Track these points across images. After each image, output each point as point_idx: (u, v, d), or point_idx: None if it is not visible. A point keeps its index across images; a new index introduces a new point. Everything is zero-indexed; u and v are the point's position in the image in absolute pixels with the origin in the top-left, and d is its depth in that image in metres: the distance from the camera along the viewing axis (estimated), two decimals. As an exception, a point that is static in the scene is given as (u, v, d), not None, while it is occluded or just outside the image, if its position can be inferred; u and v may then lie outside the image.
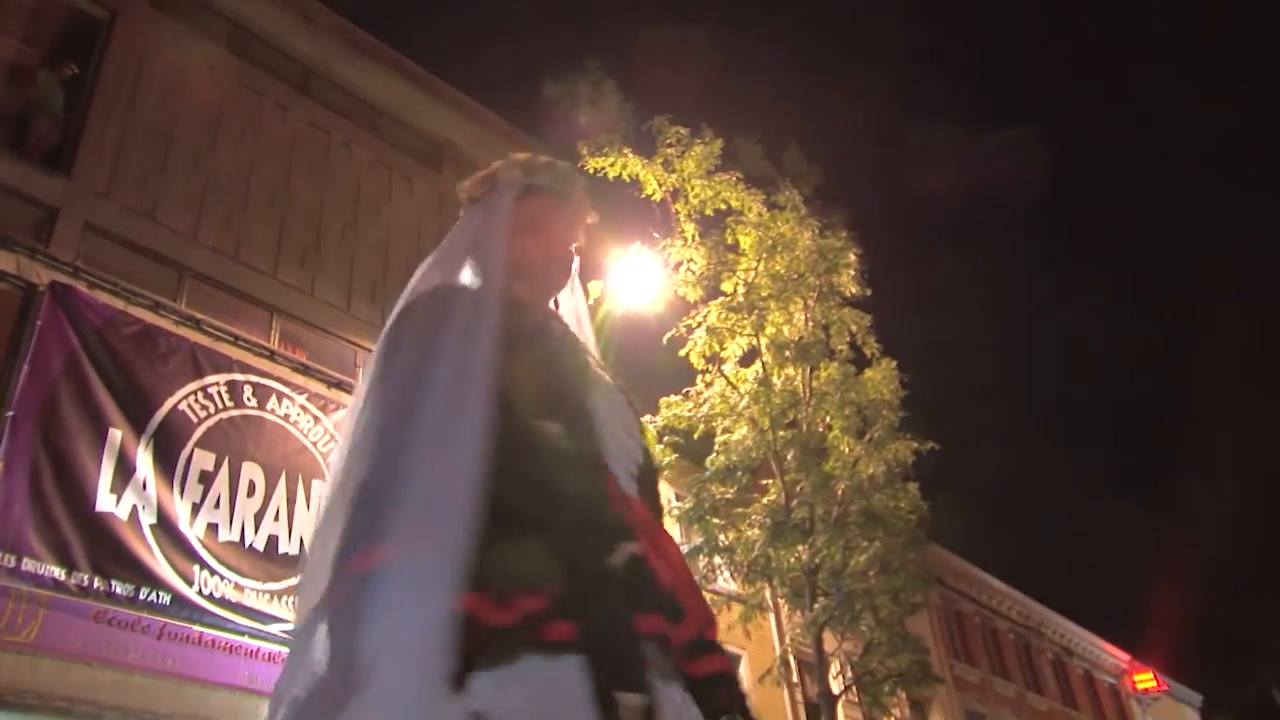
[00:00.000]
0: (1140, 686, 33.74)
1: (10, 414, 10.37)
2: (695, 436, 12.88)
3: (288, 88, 15.31)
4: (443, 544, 1.44)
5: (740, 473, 12.25)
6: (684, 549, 12.72)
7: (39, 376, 10.69)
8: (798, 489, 12.11)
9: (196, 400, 11.83)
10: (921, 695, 19.43)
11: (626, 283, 13.29)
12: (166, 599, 10.66)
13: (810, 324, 13.08)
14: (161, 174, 13.12)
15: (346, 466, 1.70)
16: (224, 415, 12.02)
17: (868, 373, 13.24)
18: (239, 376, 12.37)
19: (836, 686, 12.40)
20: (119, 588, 10.39)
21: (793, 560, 11.71)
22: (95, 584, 10.25)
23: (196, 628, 10.79)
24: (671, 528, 14.25)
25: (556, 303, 2.13)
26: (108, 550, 10.43)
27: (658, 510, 1.87)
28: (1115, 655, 33.75)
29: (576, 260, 2.14)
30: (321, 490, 1.62)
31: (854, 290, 13.54)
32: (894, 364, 13.33)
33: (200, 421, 11.75)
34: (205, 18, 14.57)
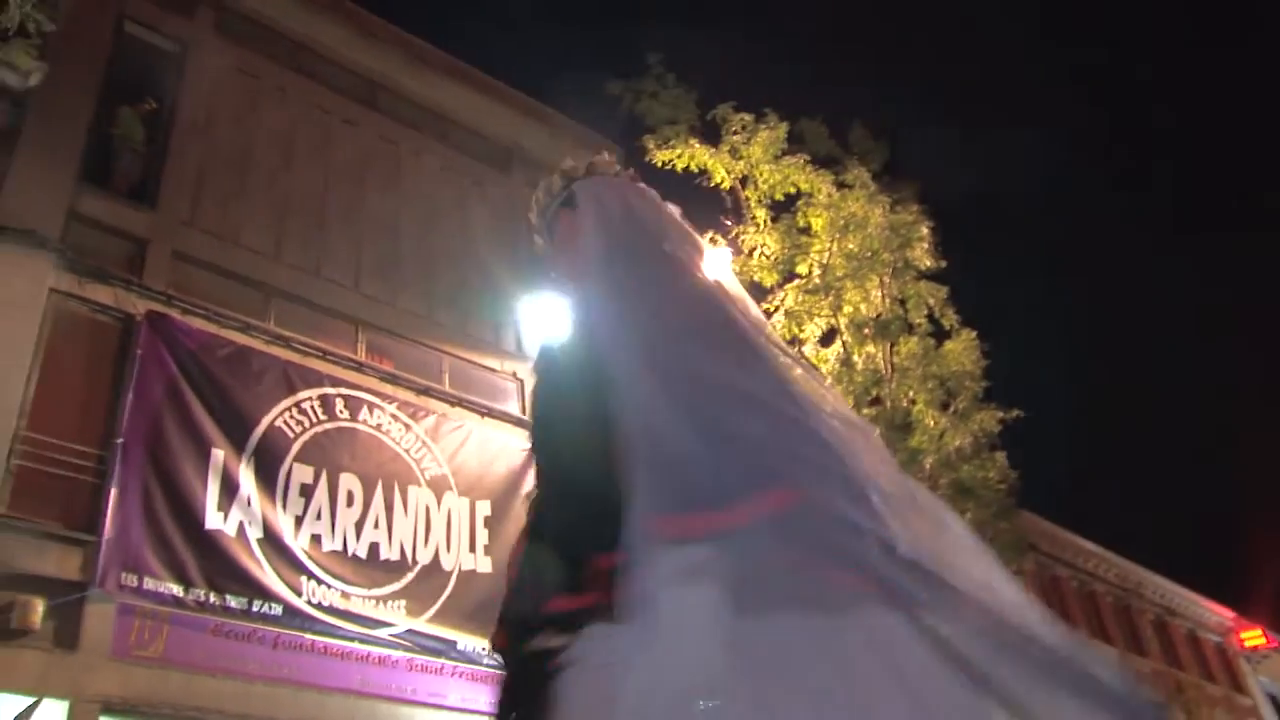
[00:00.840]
0: (1249, 644, 33.03)
1: (120, 441, 10.80)
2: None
3: (355, 103, 15.62)
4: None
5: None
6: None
7: (143, 403, 11.11)
8: (887, 466, 12.11)
9: (291, 416, 12.18)
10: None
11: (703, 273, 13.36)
12: (278, 610, 11.02)
13: (887, 300, 13.07)
14: (241, 198, 13.50)
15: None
16: (319, 429, 12.36)
17: (948, 345, 13.20)
18: (330, 390, 12.70)
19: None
20: (233, 601, 10.77)
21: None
22: (211, 599, 10.64)
23: (309, 636, 11.14)
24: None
25: None
26: (220, 566, 10.83)
27: None
28: (1220, 613, 33.07)
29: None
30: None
31: (929, 263, 13.49)
32: (974, 334, 13.26)
33: (297, 436, 12.10)
34: (270, 41, 14.93)
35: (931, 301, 13.33)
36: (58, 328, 11.17)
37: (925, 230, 13.50)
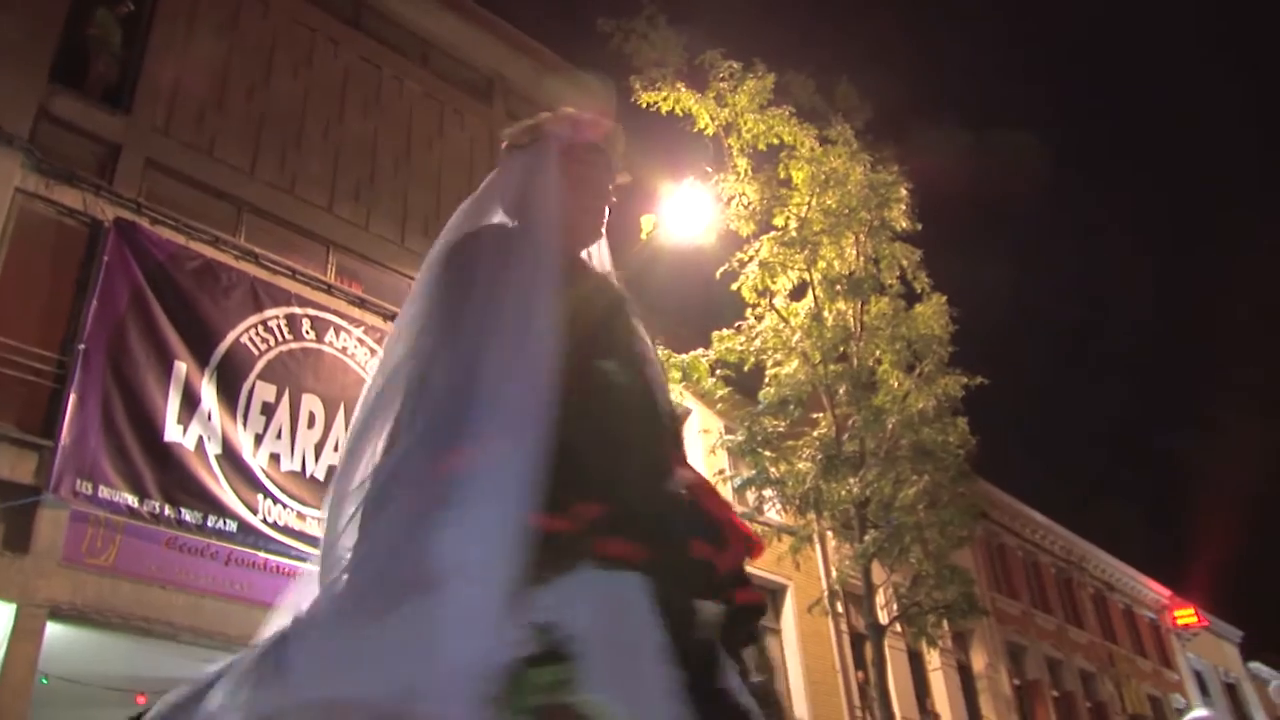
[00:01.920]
0: (1181, 622, 33.83)
1: (82, 347, 10.66)
2: (746, 369, 12.97)
3: (339, 22, 15.33)
4: (518, 456, 1.49)
5: (792, 406, 12.34)
6: (735, 481, 12.90)
7: (107, 311, 10.95)
8: (849, 423, 12.22)
9: (257, 333, 12.06)
10: (964, 627, 19.64)
11: (679, 217, 13.32)
12: (233, 526, 10.99)
13: (862, 259, 13.08)
14: (218, 110, 13.25)
15: (421, 373, 1.79)
16: (284, 348, 12.26)
17: (918, 308, 13.24)
18: (297, 310, 12.59)
19: (884, 618, 12.60)
20: (188, 515, 10.72)
21: (843, 493, 11.85)
22: (166, 511, 10.59)
23: (262, 554, 11.13)
24: (723, 460, 14.41)
25: (589, 254, 2.24)
26: (176, 479, 10.76)
27: (681, 453, 1.94)
28: (1156, 590, 33.82)
29: (608, 214, 2.23)
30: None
31: (905, 225, 13.49)
32: (944, 299, 13.32)
33: (261, 354, 12.00)
34: (258, -47, 14.59)
35: (905, 263, 13.33)
36: (22, 228, 10.96)
37: (904, 191, 13.47)
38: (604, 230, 2.26)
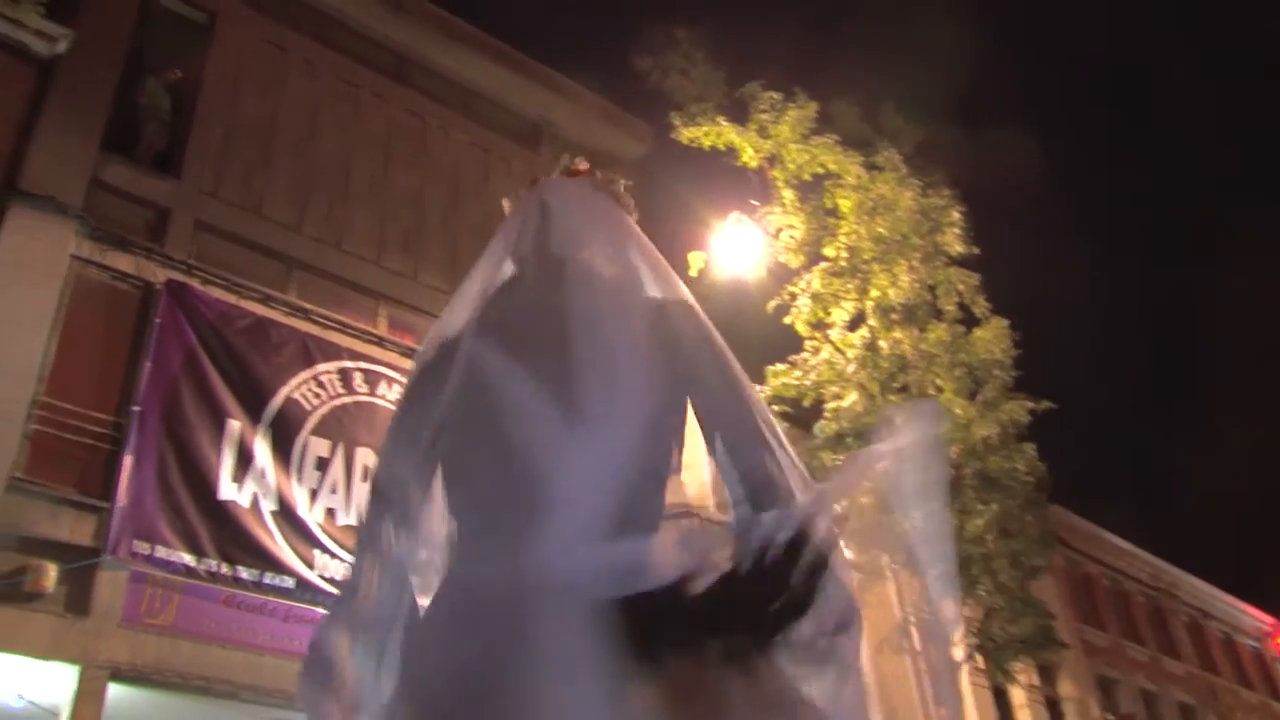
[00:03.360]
0: (1286, 649, 32.46)
1: (137, 409, 10.78)
2: (806, 405, 12.74)
3: (383, 77, 15.53)
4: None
5: (850, 439, 12.06)
6: (794, 517, 12.61)
7: (160, 372, 11.08)
8: (909, 453, 11.89)
9: (309, 388, 12.12)
10: (1048, 660, 18.97)
11: (727, 252, 13.23)
12: (290, 583, 10.98)
13: (916, 285, 12.81)
14: (266, 169, 13.45)
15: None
16: (336, 402, 12.29)
17: (977, 332, 12.92)
18: (349, 364, 12.63)
19: (959, 654, 12.19)
20: (245, 573, 10.74)
21: (905, 526, 11.49)
22: (223, 569, 10.61)
23: (320, 609, 11.07)
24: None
25: None
26: (232, 537, 10.79)
27: None
28: (1257, 617, 32.48)
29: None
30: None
31: (959, 249, 13.22)
32: (1005, 323, 12.97)
33: (314, 409, 12.04)
34: (299, 13, 14.85)
35: (961, 288, 13.05)
36: (78, 294, 11.16)
37: (956, 215, 13.25)
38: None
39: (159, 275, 11.63)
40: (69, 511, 10.15)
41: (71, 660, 9.66)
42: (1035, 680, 20.17)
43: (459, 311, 2.04)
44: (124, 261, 11.54)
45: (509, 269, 2.13)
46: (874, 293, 12.65)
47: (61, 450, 10.44)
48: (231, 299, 12.01)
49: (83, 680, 9.64)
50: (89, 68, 12.14)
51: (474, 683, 1.51)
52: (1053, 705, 21.34)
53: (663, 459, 1.83)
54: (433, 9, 16.27)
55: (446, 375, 1.85)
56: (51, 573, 9.73)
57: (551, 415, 1.67)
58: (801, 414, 12.92)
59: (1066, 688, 21.82)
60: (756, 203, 13.19)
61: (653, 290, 2.02)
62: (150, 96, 12.85)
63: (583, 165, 2.32)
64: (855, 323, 13.02)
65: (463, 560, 1.78)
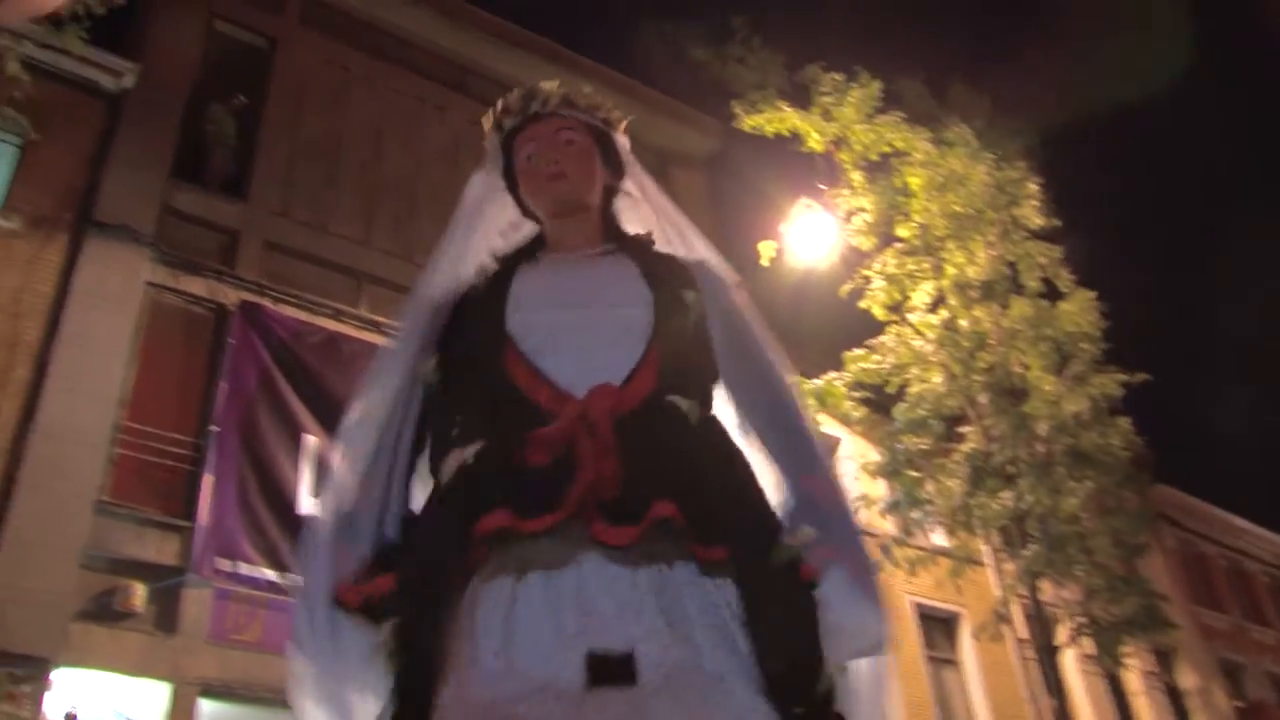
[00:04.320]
0: None
1: (215, 428, 10.93)
2: (889, 390, 12.40)
3: (446, 89, 15.60)
4: None
5: (933, 421, 11.71)
6: (881, 504, 12.30)
7: (237, 392, 11.23)
8: (995, 432, 11.50)
9: (385, 400, 12.15)
10: (1160, 644, 18.23)
11: (797, 239, 12.95)
12: (374, 594, 10.98)
13: (994, 261, 12.38)
14: (332, 187, 13.60)
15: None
16: (413, 413, 12.30)
17: (1062, 306, 12.43)
18: (424, 374, 12.65)
19: (1063, 637, 11.74)
20: (328, 586, 10.76)
21: (997, 507, 11.11)
22: (306, 583, 10.65)
23: (402, 618, 11.08)
24: (868, 483, 13.67)
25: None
26: (314, 551, 10.83)
27: None
28: (1388, 592, 30.90)
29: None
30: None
31: (1039, 222, 12.76)
32: (1091, 295, 12.46)
33: (390, 421, 12.06)
34: (358, 32, 15.02)
35: (1043, 261, 12.56)
36: (154, 319, 11.38)
37: (1033, 187, 12.76)
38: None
39: (231, 297, 11.81)
40: (154, 532, 10.33)
41: (162, 677, 9.82)
42: (1152, 666, 19.41)
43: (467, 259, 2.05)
44: (197, 285, 11.74)
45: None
46: (950, 270, 12.25)
47: (144, 472, 10.64)
48: (303, 316, 12.14)
49: (175, 697, 9.78)
50: (156, 99, 12.40)
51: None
52: (1173, 692, 20.50)
53: None
54: (492, 18, 16.33)
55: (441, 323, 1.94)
56: (140, 592, 9.91)
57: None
58: (883, 399, 12.59)
59: (1186, 674, 20.96)
60: (824, 187, 12.88)
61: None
62: (216, 123, 13.09)
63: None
64: (935, 304, 12.64)
65: None
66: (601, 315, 1.82)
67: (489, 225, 2.11)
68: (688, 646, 1.41)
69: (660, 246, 2.04)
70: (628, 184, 2.12)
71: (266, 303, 11.97)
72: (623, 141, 2.14)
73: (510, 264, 1.96)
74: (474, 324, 1.86)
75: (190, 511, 10.50)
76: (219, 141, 13.03)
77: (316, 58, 14.40)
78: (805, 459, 1.81)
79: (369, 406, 1.89)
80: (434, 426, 1.84)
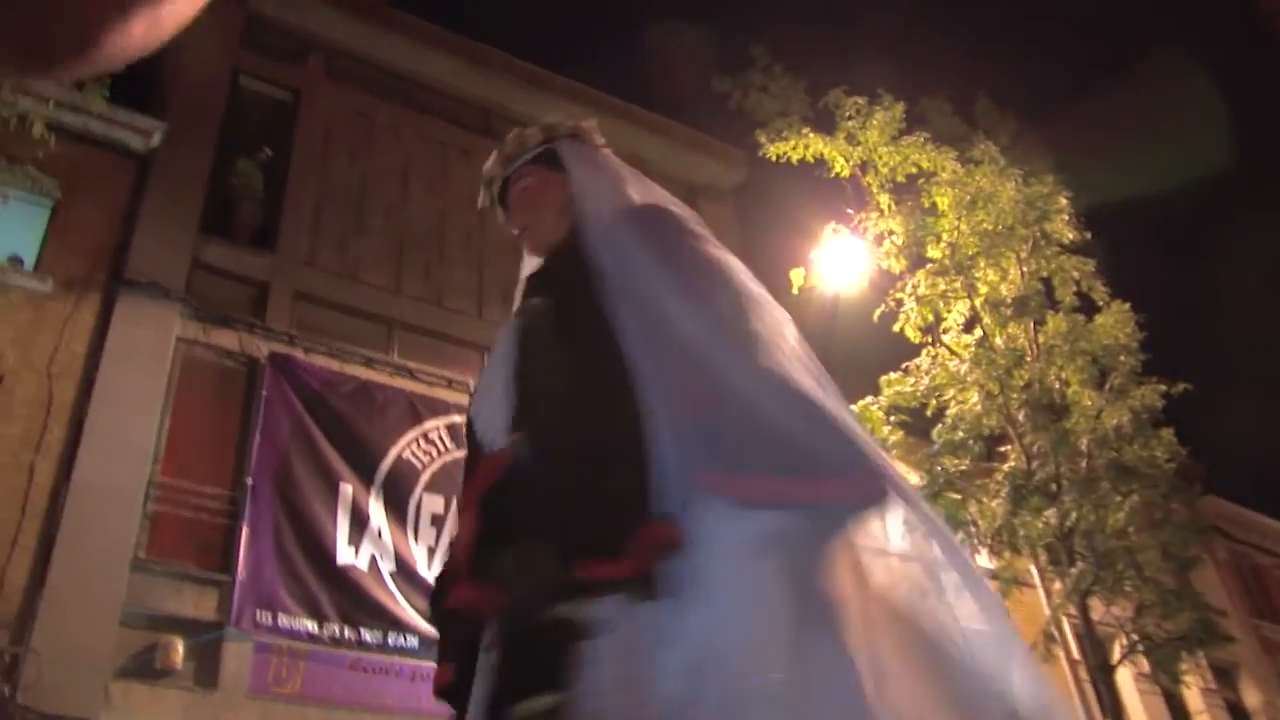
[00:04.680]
0: None
1: (250, 481, 10.93)
2: (928, 414, 12.26)
3: (470, 133, 15.64)
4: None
5: (972, 442, 11.54)
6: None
7: (270, 444, 11.23)
8: (1035, 449, 11.31)
9: (419, 446, 12.14)
10: (1219, 659, 17.79)
11: (827, 265, 12.88)
12: (414, 642, 10.91)
13: (1027, 277, 12.25)
14: (360, 235, 13.65)
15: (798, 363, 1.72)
16: (448, 458, 12.27)
17: (1098, 319, 12.27)
18: (457, 419, 12.61)
19: (1117, 656, 11.48)
20: (368, 635, 10.73)
21: (1041, 526, 10.91)
22: (346, 634, 10.62)
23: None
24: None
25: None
26: (353, 600, 10.81)
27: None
28: None
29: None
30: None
31: (1071, 236, 12.62)
32: (1126, 306, 12.30)
33: (425, 467, 12.05)
34: (381, 81, 15.14)
35: (1077, 275, 12.42)
36: (186, 374, 11.42)
37: (1064, 201, 12.65)
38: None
39: (262, 349, 11.84)
40: (192, 586, 10.31)
41: (204, 734, 9.76)
42: (1212, 683, 18.93)
43: None
44: (228, 338, 11.78)
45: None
46: (982, 289, 12.13)
47: (180, 527, 10.64)
48: (335, 365, 12.15)
49: (219, 753, 9.72)
50: (183, 156, 12.52)
51: None
52: (1236, 710, 19.98)
53: None
54: (512, 60, 16.40)
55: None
56: (179, 648, 9.88)
57: None
58: (923, 422, 12.44)
59: (1250, 690, 20.43)
60: (852, 211, 12.81)
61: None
62: (243, 176, 13.20)
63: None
64: (969, 323, 12.51)
65: None
66: (495, 379, 1.84)
67: None
68: None
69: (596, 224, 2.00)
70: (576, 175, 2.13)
71: (298, 353, 12.00)
72: (565, 146, 2.18)
73: None
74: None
75: (228, 565, 10.49)
76: (246, 195, 13.14)
77: (340, 107, 14.52)
78: (678, 379, 1.63)
79: None
80: None
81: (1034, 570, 13.51)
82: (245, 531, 10.63)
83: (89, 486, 10.06)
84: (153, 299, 11.39)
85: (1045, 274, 12.51)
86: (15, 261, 10.98)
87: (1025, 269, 12.31)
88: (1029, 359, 11.77)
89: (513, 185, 2.17)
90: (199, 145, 12.86)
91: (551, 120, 2.23)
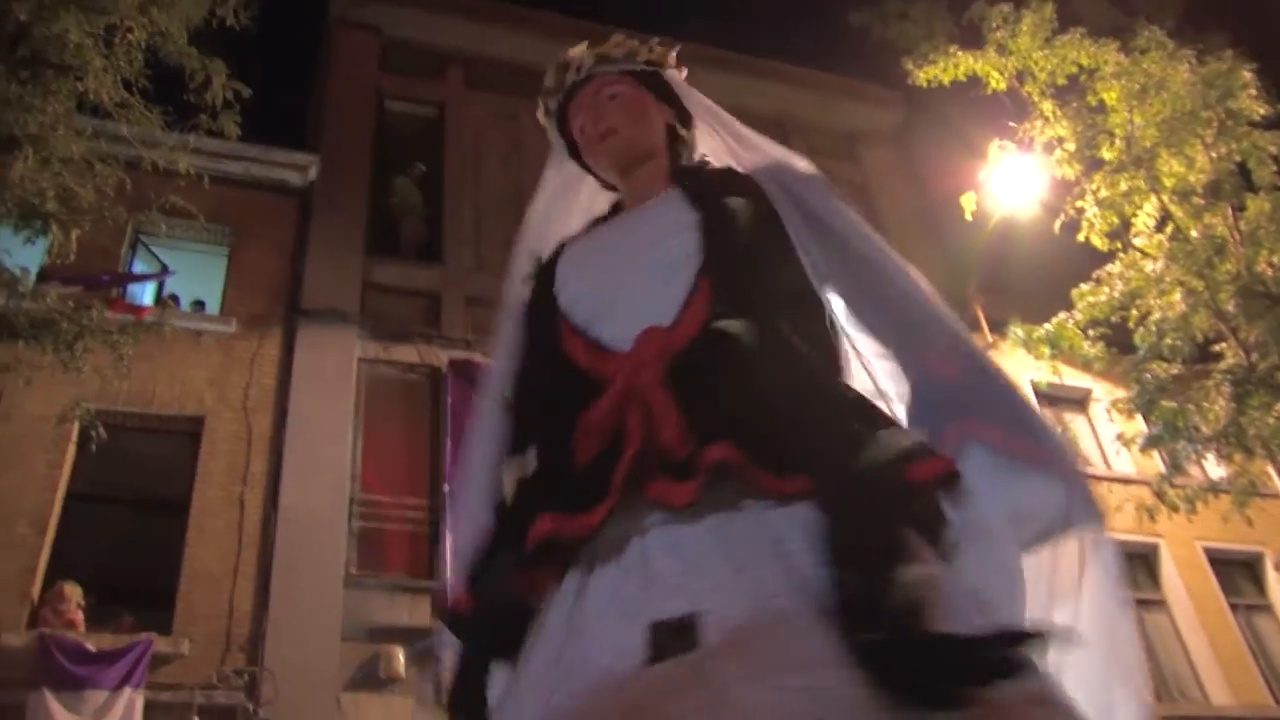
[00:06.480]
0: None
1: (447, 488, 11.15)
2: (1129, 324, 11.47)
3: (614, 117, 15.62)
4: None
5: (1180, 343, 10.70)
6: (1139, 441, 11.34)
7: (461, 449, 11.41)
8: (1253, 341, 10.39)
9: (613, 433, 12.14)
10: None
11: (1001, 185, 12.26)
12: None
13: (1216, 161, 11.27)
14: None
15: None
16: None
17: (1309, 193, 11.19)
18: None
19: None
20: (569, 638, 10.77)
21: (1272, 421, 10.00)
22: (545, 639, 10.70)
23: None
24: (1122, 422, 12.51)
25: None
26: (552, 606, 10.87)
27: None
28: None
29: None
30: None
31: (1262, 111, 11.53)
32: (1340, 174, 11.18)
33: (611, 452, 12.03)
34: (520, 81, 15.20)
35: (1275, 150, 11.34)
36: (371, 392, 11.76)
37: (1247, 75, 11.54)
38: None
39: (442, 358, 12.09)
40: (404, 596, 10.59)
41: (428, 741, 9.99)
42: None
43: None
44: (407, 352, 12.08)
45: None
46: (1169, 181, 11.23)
47: (386, 540, 10.96)
48: (514, 362, 12.28)
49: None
50: (341, 184, 12.93)
51: None
52: None
53: None
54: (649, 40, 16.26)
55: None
56: (400, 657, 10.16)
57: None
58: (1122, 336, 11.63)
59: None
60: (1015, 124, 12.11)
61: None
62: (401, 194, 13.53)
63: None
64: (1160, 221, 11.63)
65: None
66: (643, 258, 1.66)
67: (569, 216, 2.06)
68: (756, 592, 1.16)
69: (721, 162, 1.91)
70: (693, 116, 2.00)
71: (477, 357, 12.17)
72: (674, 75, 2.03)
73: (563, 244, 1.87)
74: (534, 319, 1.76)
75: (435, 571, 10.72)
76: (406, 211, 13.46)
77: (485, 113, 14.70)
78: (920, 336, 1.60)
79: (478, 432, 1.78)
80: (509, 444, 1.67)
81: (1273, 473, 12.41)
82: (449, 537, 10.83)
83: (295, 511, 10.47)
84: (330, 325, 11.79)
85: (1238, 156, 11.49)
86: (197, 306, 11.57)
87: (1214, 154, 11.31)
88: (1232, 247, 10.82)
89: (595, 85, 1.99)
90: (355, 171, 13.25)
91: (660, 47, 2.08)
